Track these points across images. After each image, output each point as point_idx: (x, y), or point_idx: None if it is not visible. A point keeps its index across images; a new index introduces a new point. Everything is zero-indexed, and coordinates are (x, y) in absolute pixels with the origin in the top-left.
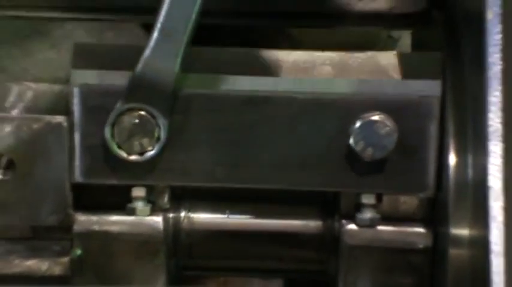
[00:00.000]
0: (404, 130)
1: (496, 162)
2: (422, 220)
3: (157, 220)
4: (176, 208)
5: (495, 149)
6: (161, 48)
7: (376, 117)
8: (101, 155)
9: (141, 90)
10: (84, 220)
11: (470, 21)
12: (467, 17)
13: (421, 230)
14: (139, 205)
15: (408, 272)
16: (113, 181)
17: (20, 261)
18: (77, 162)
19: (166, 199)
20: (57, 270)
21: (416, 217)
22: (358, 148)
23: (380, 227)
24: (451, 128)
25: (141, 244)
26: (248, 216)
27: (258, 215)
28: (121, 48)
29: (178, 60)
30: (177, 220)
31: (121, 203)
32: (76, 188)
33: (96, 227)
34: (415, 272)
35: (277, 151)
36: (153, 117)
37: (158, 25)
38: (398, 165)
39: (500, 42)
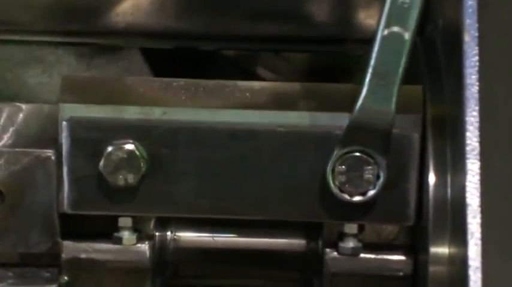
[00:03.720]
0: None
1: (474, 180)
2: (404, 247)
3: (144, 248)
4: (162, 229)
5: (473, 167)
6: (376, 91)
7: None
8: (88, 187)
9: (360, 134)
10: (72, 248)
11: (448, 45)
12: (446, 41)
13: (402, 257)
14: (125, 235)
15: None
16: (100, 212)
17: None
18: (65, 193)
19: (152, 226)
20: None
21: (397, 244)
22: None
23: (362, 255)
24: (430, 150)
25: (127, 271)
26: (233, 235)
27: (243, 233)
28: (108, 81)
29: (394, 100)
30: (163, 241)
31: (108, 231)
32: (64, 216)
33: (83, 255)
34: None
35: (261, 183)
36: (372, 157)
37: (371, 69)
38: (380, 197)
39: (477, 63)
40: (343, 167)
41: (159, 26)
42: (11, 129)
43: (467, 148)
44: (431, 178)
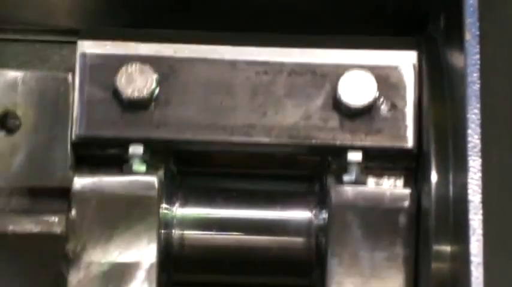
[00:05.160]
0: (385, 88)
1: (475, 177)
2: (406, 178)
3: (152, 178)
4: (168, 225)
5: (474, 164)
6: None
7: (359, 71)
8: (101, 109)
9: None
10: (82, 180)
11: (450, 43)
12: (447, 39)
13: (405, 189)
14: (135, 163)
15: (393, 231)
16: (112, 133)
17: (16, 219)
18: (79, 116)
19: (162, 156)
20: (53, 229)
21: (400, 175)
22: (344, 97)
23: (365, 188)
24: (432, 148)
25: (136, 202)
26: (237, 232)
27: (246, 231)
28: (125, 32)
29: None
30: (168, 237)
31: (118, 165)
32: (76, 147)
33: (93, 186)
34: (400, 231)
35: (268, 110)
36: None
37: None
38: (380, 121)
39: (478, 62)
40: (346, 80)
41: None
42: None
43: (469, 145)
44: (434, 177)
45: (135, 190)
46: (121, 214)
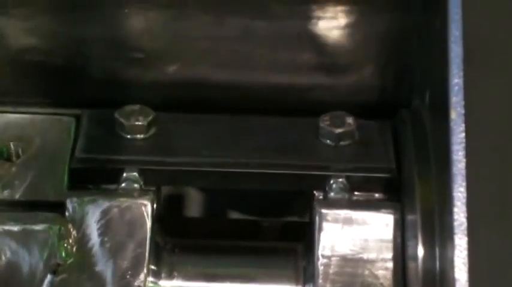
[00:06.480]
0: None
1: (462, 255)
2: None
3: (146, 202)
4: (157, 274)
5: (460, 242)
6: None
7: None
8: (101, 139)
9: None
10: (77, 196)
11: (435, 119)
12: (433, 115)
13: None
14: (129, 186)
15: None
16: (110, 157)
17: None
18: (80, 143)
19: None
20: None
21: (383, 199)
22: (326, 129)
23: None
24: (419, 223)
25: (128, 221)
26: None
27: (234, 279)
28: None
29: None
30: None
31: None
32: (74, 171)
33: (87, 204)
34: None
35: (256, 146)
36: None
37: None
38: (361, 154)
39: (463, 140)
40: (327, 117)
41: None
42: None
43: (455, 223)
44: (420, 250)
45: (129, 209)
46: (113, 230)
